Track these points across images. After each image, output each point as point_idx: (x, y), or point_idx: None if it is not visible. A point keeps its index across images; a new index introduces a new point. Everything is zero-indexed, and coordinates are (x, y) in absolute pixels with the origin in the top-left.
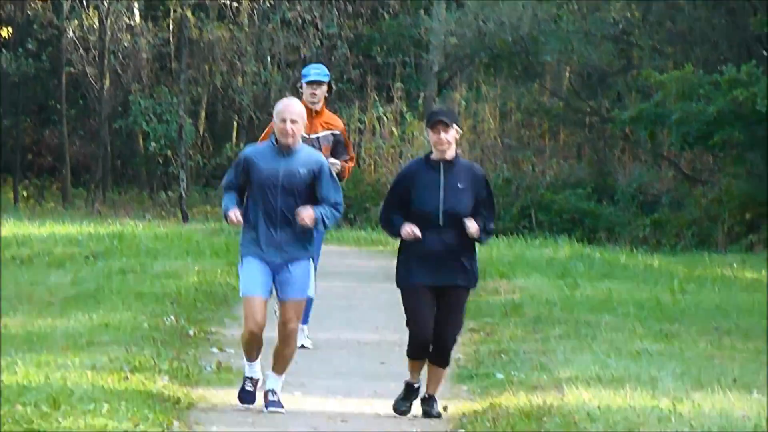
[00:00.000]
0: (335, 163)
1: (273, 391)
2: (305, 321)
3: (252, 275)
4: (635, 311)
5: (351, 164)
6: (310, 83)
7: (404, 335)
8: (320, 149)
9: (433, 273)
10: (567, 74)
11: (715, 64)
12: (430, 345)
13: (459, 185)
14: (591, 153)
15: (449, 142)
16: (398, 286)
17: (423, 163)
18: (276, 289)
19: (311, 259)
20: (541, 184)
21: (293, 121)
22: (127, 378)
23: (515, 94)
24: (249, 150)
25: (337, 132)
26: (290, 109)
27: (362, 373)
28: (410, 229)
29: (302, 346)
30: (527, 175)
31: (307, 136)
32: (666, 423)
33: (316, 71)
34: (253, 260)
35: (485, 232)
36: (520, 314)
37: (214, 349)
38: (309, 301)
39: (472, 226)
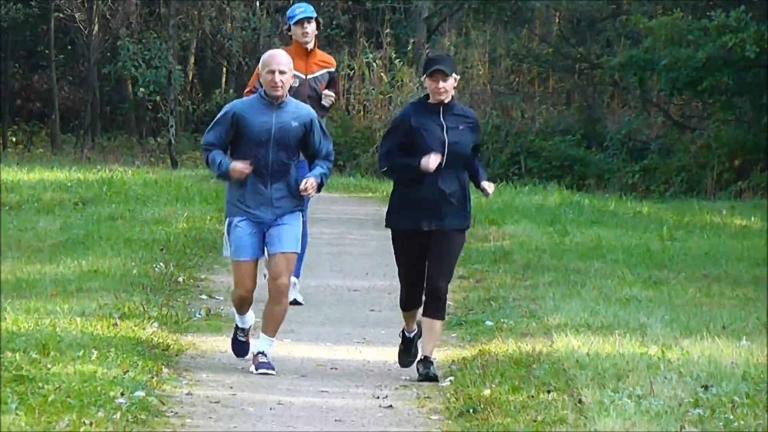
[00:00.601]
0: (330, 95)
1: (263, 353)
2: (296, 274)
3: (241, 238)
4: (624, 258)
5: (337, 100)
6: (299, 22)
7: (394, 282)
8: (317, 88)
9: (425, 218)
10: (556, 20)
11: (705, 10)
12: (421, 292)
13: (459, 127)
14: (580, 99)
15: (447, 90)
16: (388, 226)
17: (421, 106)
18: (266, 244)
19: (301, 211)
20: (531, 131)
21: (282, 72)
22: (117, 324)
23: (504, 39)
24: (236, 104)
25: (332, 69)
26: (278, 60)
27: (352, 320)
28: (433, 157)
29: (294, 301)
30: (516, 122)
31: (304, 77)
32: (655, 370)
33: (302, 9)
34: (241, 221)
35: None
36: (510, 261)
37: (204, 296)
38: (300, 255)
39: (490, 188)
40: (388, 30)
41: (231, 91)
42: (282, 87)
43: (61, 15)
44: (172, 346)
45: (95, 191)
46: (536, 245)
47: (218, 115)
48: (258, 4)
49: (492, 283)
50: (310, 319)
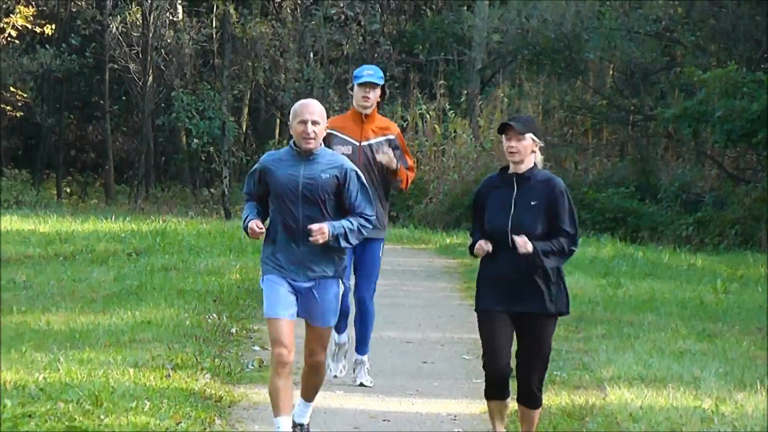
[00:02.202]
0: (388, 153)
1: (302, 426)
2: (364, 351)
3: (273, 294)
4: (678, 310)
5: (412, 175)
6: (363, 85)
7: (446, 333)
8: (374, 157)
9: (506, 298)
10: (610, 71)
11: (759, 62)
12: (507, 381)
13: (532, 202)
14: (634, 151)
15: (520, 151)
16: (475, 310)
17: (497, 178)
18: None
19: (340, 280)
20: (584, 183)
21: (314, 122)
22: (169, 375)
23: (558, 91)
24: (265, 157)
25: (392, 136)
26: (310, 109)
27: (405, 372)
28: (483, 244)
29: (361, 384)
30: (570, 173)
31: (358, 144)
32: (709, 423)
33: (370, 72)
34: (274, 278)
35: (553, 253)
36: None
37: (256, 347)
38: (366, 328)
39: (521, 242)
40: (441, 81)
41: (285, 141)
42: (315, 138)
43: (116, 66)
44: (224, 398)
45: (149, 242)
46: (589, 297)
47: (251, 168)
48: (311, 55)
49: None
50: None
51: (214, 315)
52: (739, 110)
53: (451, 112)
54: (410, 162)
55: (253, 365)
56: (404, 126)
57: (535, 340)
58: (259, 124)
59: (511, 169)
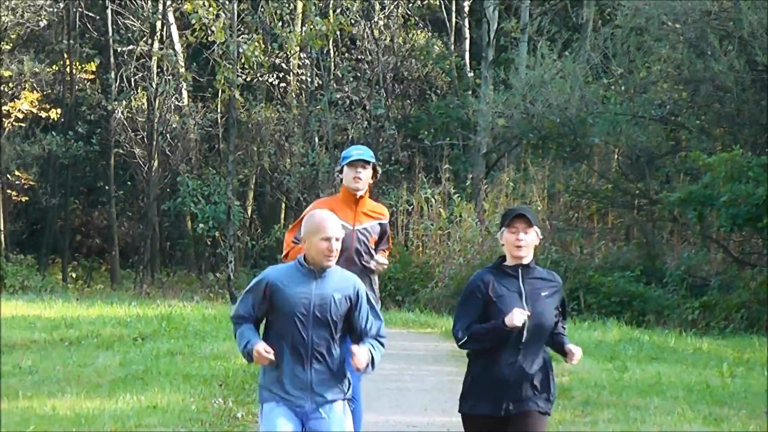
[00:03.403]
0: (383, 263)
1: None
2: None
3: (276, 424)
4: (684, 394)
5: (387, 255)
6: (353, 164)
7: (453, 418)
8: (366, 241)
9: (501, 400)
10: (615, 156)
11: (763, 146)
12: None
13: (542, 294)
14: (639, 235)
15: (528, 245)
16: (461, 411)
17: (494, 271)
18: None
19: (347, 401)
20: (590, 266)
21: (337, 239)
22: None
23: (563, 175)
24: (270, 273)
25: (384, 221)
26: (333, 226)
27: None
28: (518, 314)
29: None
30: (575, 257)
31: (351, 228)
32: None
33: (359, 151)
34: (276, 408)
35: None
36: (569, 397)
37: None
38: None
39: (577, 354)
40: (446, 166)
41: (289, 225)
42: (336, 256)
43: (121, 151)
44: None
45: (154, 327)
46: (596, 381)
47: (250, 285)
48: (317, 140)
49: (552, 419)
50: None
51: (220, 399)
52: (744, 194)
53: (457, 196)
54: (389, 244)
55: None
56: (410, 210)
57: None
58: (265, 209)
59: (511, 262)
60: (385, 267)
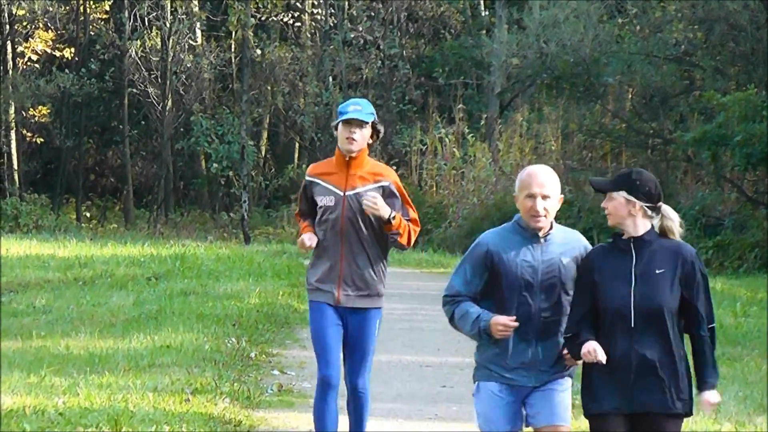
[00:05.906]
0: (375, 197)
1: None
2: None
3: (495, 408)
4: None
5: (416, 229)
6: (348, 123)
7: (466, 358)
8: (362, 209)
9: (621, 394)
10: (629, 95)
11: None
12: None
13: (657, 270)
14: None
15: (612, 213)
16: (585, 415)
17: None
18: (527, 415)
19: (570, 377)
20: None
21: (544, 197)
22: (189, 400)
23: (577, 115)
24: (488, 237)
25: (386, 183)
26: (538, 180)
27: (424, 396)
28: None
29: None
30: (589, 197)
31: (341, 194)
32: None
33: (357, 108)
34: (496, 388)
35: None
36: None
37: (276, 372)
38: (361, 419)
39: (710, 404)
40: (460, 105)
41: (303, 166)
42: (547, 216)
43: (135, 90)
44: (243, 422)
45: (168, 267)
46: None
47: (466, 253)
48: (331, 79)
49: None
50: (382, 395)
51: (234, 339)
52: (758, 134)
53: (471, 135)
54: (413, 213)
55: (272, 390)
56: (423, 150)
57: None
58: (279, 148)
59: (626, 235)
60: (373, 200)
